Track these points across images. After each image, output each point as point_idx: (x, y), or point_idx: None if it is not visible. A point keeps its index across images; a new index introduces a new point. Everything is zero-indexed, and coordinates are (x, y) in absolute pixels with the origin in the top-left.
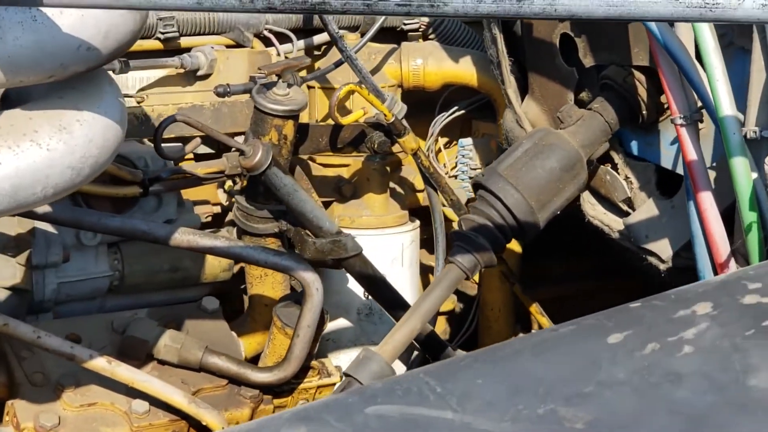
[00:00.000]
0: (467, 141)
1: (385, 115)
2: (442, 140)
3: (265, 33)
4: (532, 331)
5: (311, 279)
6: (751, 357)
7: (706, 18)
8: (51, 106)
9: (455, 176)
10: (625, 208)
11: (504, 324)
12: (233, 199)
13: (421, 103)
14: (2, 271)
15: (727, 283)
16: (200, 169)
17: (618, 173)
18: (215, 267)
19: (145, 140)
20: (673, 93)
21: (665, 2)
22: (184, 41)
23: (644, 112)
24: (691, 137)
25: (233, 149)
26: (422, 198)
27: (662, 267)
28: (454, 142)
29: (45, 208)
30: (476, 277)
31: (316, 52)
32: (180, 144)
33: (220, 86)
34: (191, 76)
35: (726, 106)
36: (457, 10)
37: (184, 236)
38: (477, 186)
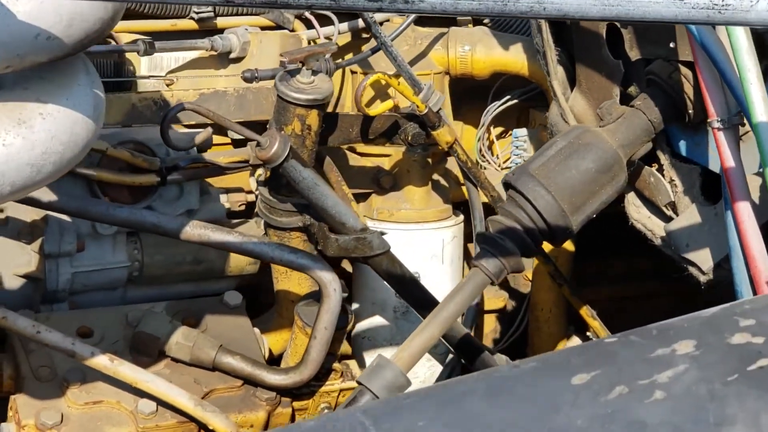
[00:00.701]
0: (521, 131)
1: (417, 106)
2: (497, 130)
3: (307, 14)
4: (587, 334)
5: (328, 279)
6: (729, 406)
7: (715, 21)
8: (13, 98)
9: (508, 168)
10: (668, 212)
11: (555, 326)
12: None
13: (474, 91)
14: (16, 259)
15: (717, 318)
16: (223, 158)
17: (663, 175)
18: (241, 260)
19: (173, 125)
20: (710, 94)
21: (668, 2)
22: (221, 22)
23: (690, 111)
24: (729, 142)
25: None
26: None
27: (702, 279)
28: (510, 132)
29: (50, 197)
30: (528, 274)
31: (364, 34)
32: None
33: (248, 71)
34: (224, 59)
35: (761, 111)
36: (435, 7)
37: (195, 230)
38: (507, 185)
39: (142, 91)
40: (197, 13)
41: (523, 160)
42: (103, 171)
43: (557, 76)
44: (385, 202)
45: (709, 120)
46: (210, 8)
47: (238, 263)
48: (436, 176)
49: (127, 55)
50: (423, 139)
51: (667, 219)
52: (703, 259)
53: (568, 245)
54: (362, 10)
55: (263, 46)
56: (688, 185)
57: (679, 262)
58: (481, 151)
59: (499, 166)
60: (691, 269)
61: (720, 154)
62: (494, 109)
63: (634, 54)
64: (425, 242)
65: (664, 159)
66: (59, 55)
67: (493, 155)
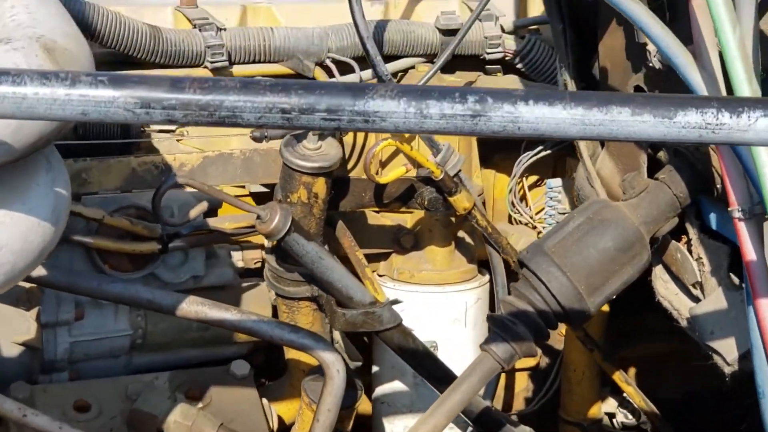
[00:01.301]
0: (556, 182)
1: (432, 172)
2: (531, 179)
3: (327, 62)
4: (624, 395)
5: (331, 360)
6: None
7: (707, 140)
8: None
9: (542, 221)
10: (695, 292)
11: (588, 388)
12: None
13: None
14: (15, 326)
15: None
16: (228, 223)
17: (691, 251)
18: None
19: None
20: (731, 179)
21: (655, 122)
22: (237, 70)
23: (718, 185)
24: (751, 233)
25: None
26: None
27: (726, 370)
28: (544, 182)
29: (39, 272)
30: (562, 329)
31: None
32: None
33: (257, 130)
34: None
35: None
36: (398, 126)
37: (191, 307)
38: (521, 263)
39: (142, 156)
40: (211, 62)
41: (557, 212)
42: (101, 239)
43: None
44: (405, 263)
45: (729, 208)
46: (225, 56)
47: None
48: (461, 233)
49: None
50: (440, 204)
51: (695, 299)
52: (727, 349)
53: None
54: (319, 129)
55: None
56: (715, 265)
57: (704, 348)
58: (512, 202)
59: (531, 217)
60: (716, 358)
61: (741, 245)
62: (527, 159)
63: None
64: (447, 305)
65: (692, 233)
66: (8, 160)
67: (526, 206)
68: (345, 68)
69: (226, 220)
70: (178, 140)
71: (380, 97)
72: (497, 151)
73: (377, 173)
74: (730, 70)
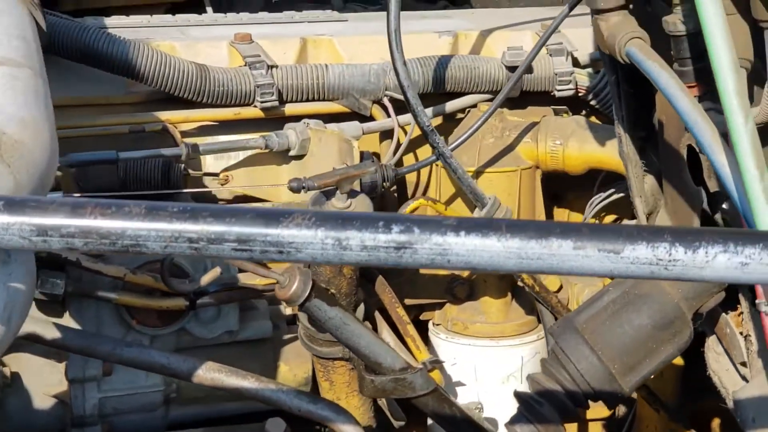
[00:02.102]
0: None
1: None
2: (608, 218)
3: (384, 101)
4: None
5: None
6: None
7: (660, 276)
8: None
9: None
10: (743, 371)
11: None
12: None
13: (581, 176)
14: (46, 378)
15: None
16: (259, 279)
17: (741, 327)
18: (289, 379)
19: None
20: None
21: (600, 257)
22: (290, 108)
23: None
24: None
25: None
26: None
27: None
28: (622, 222)
29: (54, 334)
30: None
31: (459, 115)
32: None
33: (295, 180)
34: (284, 154)
35: None
36: (315, 258)
37: (208, 374)
38: (551, 336)
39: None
40: (261, 102)
41: None
42: (127, 295)
43: (640, 193)
44: (460, 314)
45: (757, 301)
46: (275, 96)
47: (287, 383)
48: (520, 282)
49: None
50: None
51: (744, 378)
52: None
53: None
54: (229, 258)
55: (323, 145)
56: (762, 345)
57: None
58: None
59: None
60: None
61: (766, 339)
62: (598, 201)
63: (712, 185)
64: (501, 360)
65: (744, 307)
66: None
67: None
68: (403, 106)
69: (256, 276)
70: (221, 184)
71: (296, 226)
72: (571, 188)
73: None
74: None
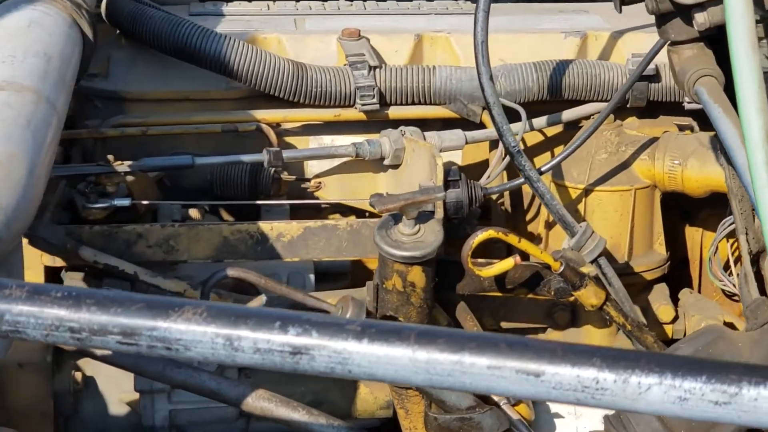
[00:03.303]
0: None
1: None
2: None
3: None
4: None
5: None
6: None
7: (589, 404)
8: None
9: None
10: None
11: None
12: None
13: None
14: (123, 384)
15: None
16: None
17: None
18: (369, 403)
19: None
20: None
21: (518, 377)
22: (394, 112)
23: None
24: None
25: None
26: (670, 330)
27: None
28: None
29: (104, 351)
30: None
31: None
32: None
33: (376, 196)
34: (378, 162)
35: None
36: (206, 356)
37: (257, 402)
38: None
39: (235, 223)
40: (362, 105)
41: None
42: None
43: (746, 230)
44: (563, 341)
45: None
46: (376, 98)
47: (366, 407)
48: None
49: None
50: (569, 294)
51: None
52: None
53: None
54: (114, 349)
55: (416, 156)
56: None
57: None
58: (713, 269)
59: (735, 286)
60: None
61: None
62: (730, 222)
63: None
64: None
65: None
66: None
67: (730, 275)
68: (514, 114)
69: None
70: (312, 191)
71: (185, 321)
72: (704, 206)
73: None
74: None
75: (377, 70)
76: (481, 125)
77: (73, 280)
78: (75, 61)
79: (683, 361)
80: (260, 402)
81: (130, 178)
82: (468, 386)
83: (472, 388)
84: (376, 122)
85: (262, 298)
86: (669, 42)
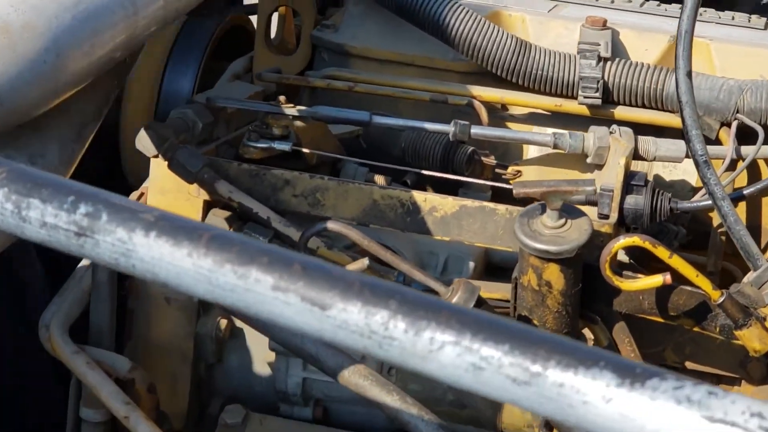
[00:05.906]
0: None
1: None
2: None
3: (733, 125)
4: None
5: None
6: None
7: (376, 355)
8: None
9: None
10: None
11: None
12: None
13: None
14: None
15: None
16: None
17: None
18: (518, 418)
19: None
20: None
21: (302, 307)
22: (620, 112)
23: None
24: None
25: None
26: None
27: None
28: None
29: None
30: None
31: None
32: None
33: (518, 184)
34: (582, 158)
35: None
36: None
37: (353, 378)
38: None
39: (387, 188)
40: (584, 97)
41: None
42: None
43: None
44: (754, 397)
45: None
46: (599, 93)
47: (513, 421)
48: None
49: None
50: (732, 334)
51: None
52: None
53: None
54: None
55: (616, 157)
56: None
57: None
58: None
59: None
60: None
61: None
62: None
63: None
64: None
65: None
66: None
67: None
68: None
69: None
70: (510, 180)
71: None
72: None
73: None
74: None
75: (607, 62)
76: (717, 141)
77: (216, 217)
78: None
79: (490, 322)
80: (356, 378)
81: (300, 124)
82: (251, 307)
83: (256, 311)
84: (599, 120)
85: (364, 261)
86: None
